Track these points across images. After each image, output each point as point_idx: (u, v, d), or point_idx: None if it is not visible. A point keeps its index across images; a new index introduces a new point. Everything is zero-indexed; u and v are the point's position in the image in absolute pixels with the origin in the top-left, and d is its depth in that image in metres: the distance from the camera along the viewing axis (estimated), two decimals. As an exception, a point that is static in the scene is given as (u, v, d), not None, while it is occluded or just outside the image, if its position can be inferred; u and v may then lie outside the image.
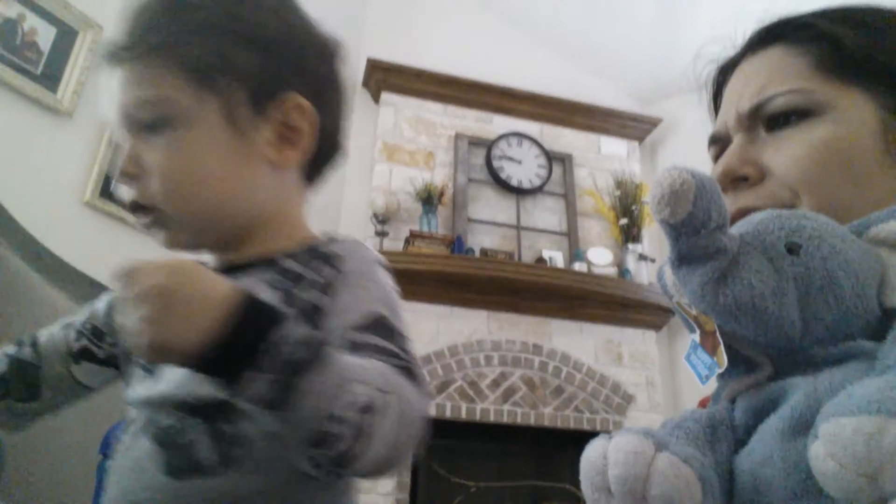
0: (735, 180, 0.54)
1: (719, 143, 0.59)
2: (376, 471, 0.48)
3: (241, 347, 0.42)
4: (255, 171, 0.61)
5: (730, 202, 0.53)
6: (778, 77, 0.53)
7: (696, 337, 0.42)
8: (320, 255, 0.60)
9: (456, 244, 3.18)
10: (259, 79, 0.60)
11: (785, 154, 0.51)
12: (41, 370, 0.65)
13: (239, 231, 0.62)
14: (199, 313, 0.41)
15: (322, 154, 0.68)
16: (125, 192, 0.59)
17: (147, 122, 0.58)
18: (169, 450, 0.53)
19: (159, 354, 0.42)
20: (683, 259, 0.39)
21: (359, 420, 0.44)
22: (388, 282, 0.60)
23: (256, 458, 0.52)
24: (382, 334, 0.53)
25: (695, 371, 0.43)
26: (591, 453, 0.36)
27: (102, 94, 0.61)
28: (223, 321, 0.42)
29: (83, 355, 0.66)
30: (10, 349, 0.66)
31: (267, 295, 0.56)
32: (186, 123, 0.58)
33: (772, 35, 0.56)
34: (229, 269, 0.61)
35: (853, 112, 0.50)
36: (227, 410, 0.52)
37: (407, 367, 0.51)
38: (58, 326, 0.68)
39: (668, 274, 0.42)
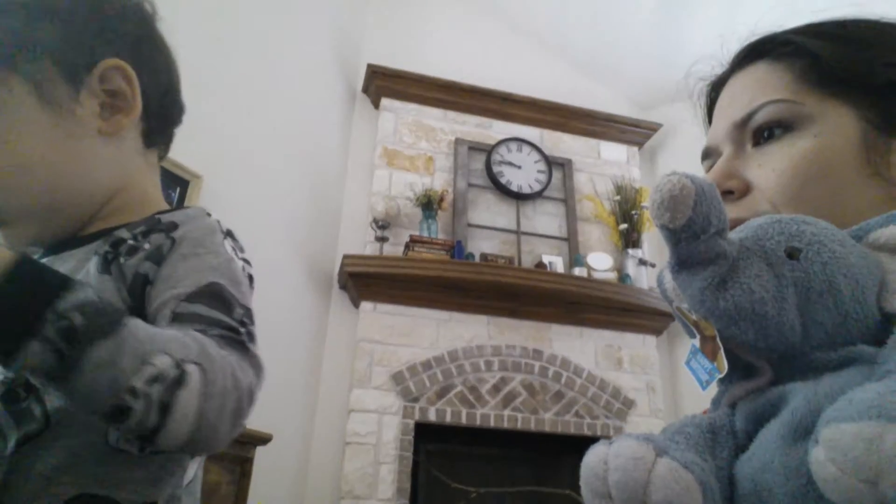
0: (722, 194, 0.55)
1: (711, 157, 0.59)
2: (188, 445, 0.45)
3: (17, 316, 0.39)
4: (86, 147, 0.58)
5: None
6: (762, 91, 0.53)
7: (697, 342, 0.42)
8: (159, 225, 0.57)
9: (456, 249, 3.18)
10: (65, 50, 0.57)
11: (767, 168, 0.52)
12: None
13: (87, 212, 0.60)
14: None
15: (159, 114, 0.65)
16: None
17: None
18: None
19: None
20: (683, 264, 0.39)
21: (154, 392, 0.43)
22: (227, 251, 0.57)
23: (57, 434, 0.50)
24: (213, 304, 0.51)
25: (695, 376, 0.43)
26: (592, 459, 0.36)
27: None
28: None
29: None
30: None
31: (92, 267, 0.54)
32: None
33: (756, 52, 0.57)
34: (62, 245, 0.58)
35: (834, 124, 0.50)
36: (12, 391, 0.50)
37: (235, 338, 0.50)
38: None
39: (668, 279, 0.42)
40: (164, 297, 0.51)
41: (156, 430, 0.44)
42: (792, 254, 0.39)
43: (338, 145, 3.47)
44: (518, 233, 3.46)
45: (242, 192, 2.60)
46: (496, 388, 3.08)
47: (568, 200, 3.58)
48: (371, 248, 3.20)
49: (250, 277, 0.59)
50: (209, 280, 0.52)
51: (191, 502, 0.57)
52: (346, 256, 3.07)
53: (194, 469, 0.58)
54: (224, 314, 0.51)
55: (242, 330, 0.51)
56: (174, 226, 0.57)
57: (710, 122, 0.64)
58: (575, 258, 3.36)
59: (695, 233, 0.37)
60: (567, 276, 3.24)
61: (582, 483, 0.36)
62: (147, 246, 0.55)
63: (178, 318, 0.50)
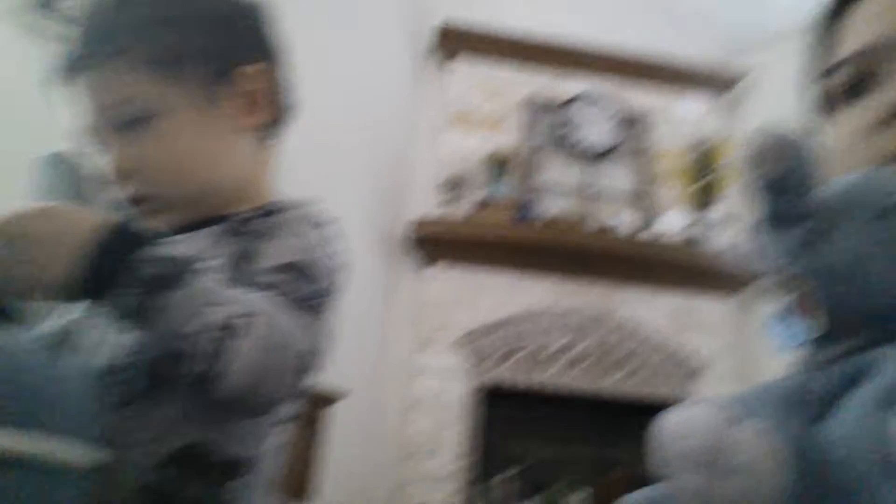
0: None
1: (848, 66, 0.52)
2: (246, 395, 0.50)
3: (105, 268, 0.47)
4: (227, 143, 0.66)
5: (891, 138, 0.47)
6: None
7: (784, 302, 0.40)
8: (264, 212, 0.64)
9: (524, 211, 3.15)
10: (210, 57, 0.65)
11: None
12: None
13: (222, 200, 0.67)
14: (60, 249, 0.47)
15: (279, 114, 0.73)
16: (124, 189, 0.63)
17: (123, 122, 0.62)
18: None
19: (26, 291, 0.48)
20: (779, 219, 0.38)
21: (215, 339, 0.48)
22: (311, 237, 0.61)
23: (160, 392, 0.54)
24: (286, 277, 0.56)
25: (778, 338, 0.41)
26: (670, 424, 0.35)
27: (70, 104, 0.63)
28: (86, 249, 0.47)
29: None
30: None
31: (209, 245, 0.60)
32: (163, 113, 0.62)
33: None
34: (193, 227, 0.64)
35: None
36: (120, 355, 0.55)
37: (299, 306, 0.54)
38: None
39: (758, 236, 0.40)
40: (250, 271, 0.58)
41: (217, 377, 0.49)
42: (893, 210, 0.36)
43: (405, 108, 3.46)
44: (587, 193, 3.39)
45: (310, 159, 2.64)
46: (562, 352, 3.07)
47: (641, 158, 3.47)
48: (439, 211, 3.20)
49: (337, 264, 0.63)
50: (288, 258, 0.58)
51: (271, 463, 0.62)
52: (414, 220, 3.09)
53: (276, 436, 0.62)
54: (294, 286, 0.56)
55: (306, 302, 0.56)
56: (274, 212, 0.63)
57: (825, 41, 0.57)
58: (647, 218, 3.28)
59: (789, 187, 0.35)
60: (638, 237, 3.17)
61: (659, 449, 0.35)
62: (252, 229, 0.62)
63: (252, 285, 0.55)
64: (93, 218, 0.50)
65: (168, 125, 0.62)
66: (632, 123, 3.53)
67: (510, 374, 3.01)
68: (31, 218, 0.48)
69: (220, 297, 0.50)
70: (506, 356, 3.03)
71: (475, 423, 2.94)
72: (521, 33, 3.51)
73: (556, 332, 3.10)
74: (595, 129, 3.46)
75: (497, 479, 2.93)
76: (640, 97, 3.61)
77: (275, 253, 0.58)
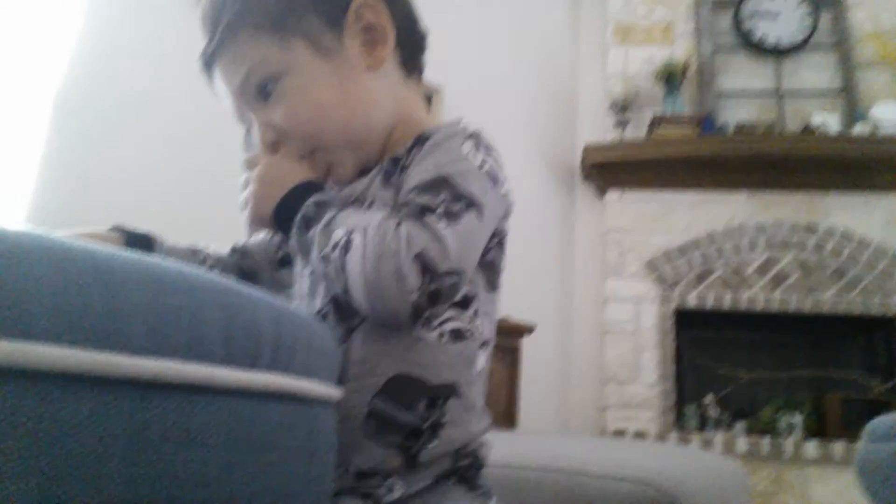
0: None
1: None
2: (365, 305, 0.54)
3: (290, 211, 0.60)
4: (361, 83, 0.66)
5: None
6: None
7: None
8: (421, 139, 0.63)
9: (706, 123, 2.92)
10: (321, 4, 0.64)
11: None
12: (259, 277, 0.78)
13: (378, 142, 0.67)
14: (275, 193, 0.61)
15: (408, 41, 0.71)
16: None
17: (257, 91, 0.64)
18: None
19: (255, 219, 0.63)
20: None
21: (338, 258, 0.54)
22: (461, 150, 0.60)
23: (371, 325, 0.58)
24: (423, 191, 0.56)
25: None
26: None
27: (219, 101, 0.68)
28: (284, 197, 0.61)
29: (284, 262, 0.77)
30: (232, 257, 0.79)
31: (377, 182, 0.64)
32: (287, 72, 0.63)
33: None
34: (366, 171, 0.67)
35: None
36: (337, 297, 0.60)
37: (424, 215, 0.54)
38: (262, 235, 0.80)
39: None
40: (401, 194, 0.59)
41: (347, 290, 0.55)
42: None
43: (566, 29, 3.33)
44: (779, 94, 3.05)
45: (476, 95, 2.65)
46: (763, 270, 2.85)
47: (841, 46, 3.04)
48: (612, 134, 3.07)
49: (492, 175, 0.61)
50: (431, 175, 0.58)
51: (480, 387, 0.64)
52: (587, 146, 3.00)
53: (483, 359, 0.64)
54: (427, 198, 0.56)
55: (437, 207, 0.55)
56: (427, 137, 0.62)
57: None
58: (854, 113, 2.88)
59: None
60: (845, 136, 2.81)
61: None
62: (409, 159, 0.62)
63: (400, 206, 0.57)
64: (296, 176, 0.62)
65: (296, 82, 0.63)
66: (825, 8, 3.08)
67: (706, 295, 2.86)
68: (266, 165, 0.63)
69: (344, 223, 0.56)
70: (700, 278, 2.88)
71: (672, 348, 2.85)
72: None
73: (754, 249, 2.88)
74: (782, 21, 3.08)
75: (698, 403, 2.84)
76: (837, -27, 3.13)
77: (420, 172, 0.59)
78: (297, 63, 0.63)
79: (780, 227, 2.87)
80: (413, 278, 0.52)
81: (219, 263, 0.78)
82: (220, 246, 0.80)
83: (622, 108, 3.04)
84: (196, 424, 0.34)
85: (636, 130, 3.04)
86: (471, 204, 0.56)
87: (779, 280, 2.83)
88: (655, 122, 2.94)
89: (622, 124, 3.03)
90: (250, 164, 0.65)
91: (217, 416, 0.35)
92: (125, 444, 0.31)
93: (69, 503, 0.28)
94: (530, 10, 3.12)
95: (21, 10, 1.56)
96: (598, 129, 3.15)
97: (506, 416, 2.30)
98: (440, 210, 0.55)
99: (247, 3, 0.63)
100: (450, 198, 0.56)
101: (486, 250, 0.62)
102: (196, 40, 0.66)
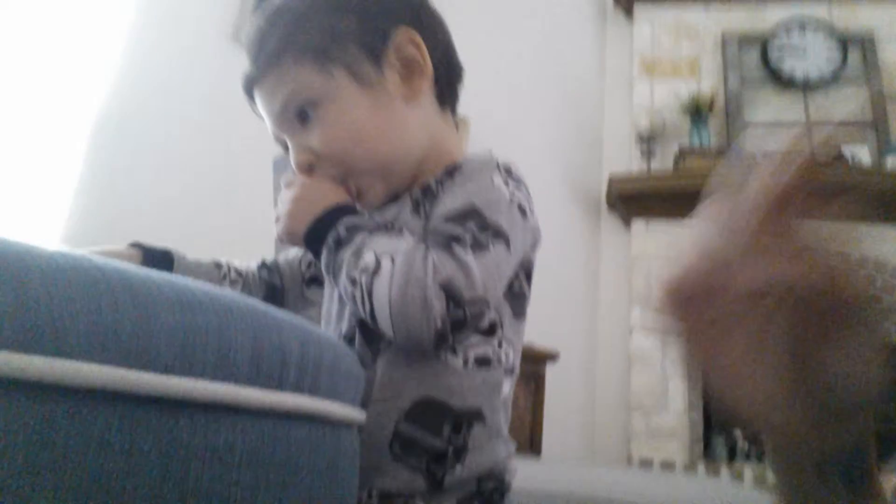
0: None
1: None
2: (398, 327, 0.54)
3: (321, 232, 0.61)
4: (398, 113, 0.67)
5: None
6: None
7: None
8: (449, 171, 0.65)
9: (734, 156, 2.90)
10: (364, 33, 0.66)
11: None
12: (287, 294, 0.80)
13: (408, 171, 0.68)
14: (309, 212, 0.62)
15: (445, 74, 0.72)
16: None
17: (296, 115, 0.66)
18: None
19: (287, 237, 0.65)
20: None
21: (366, 282, 0.55)
22: (492, 181, 0.61)
23: (399, 349, 0.59)
24: (453, 220, 0.57)
25: None
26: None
27: (261, 119, 0.70)
28: (318, 217, 0.62)
29: (313, 280, 0.79)
30: (261, 272, 0.80)
31: (406, 210, 0.65)
32: (326, 99, 0.65)
33: None
34: (395, 199, 0.68)
35: None
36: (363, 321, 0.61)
37: (452, 243, 0.55)
38: (292, 253, 0.82)
39: None
40: (430, 223, 0.60)
41: (372, 313, 0.55)
42: None
43: (592, 63, 3.35)
44: (807, 126, 3.03)
45: (503, 125, 2.68)
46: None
47: (871, 80, 3.01)
48: (637, 165, 3.06)
49: (521, 207, 0.62)
50: (460, 204, 0.59)
51: (505, 414, 0.64)
52: (612, 176, 2.99)
53: (508, 386, 0.64)
54: (455, 227, 0.56)
55: (465, 237, 0.55)
56: (458, 167, 0.64)
57: None
58: (886, 144, 2.85)
59: None
60: (875, 168, 2.77)
61: None
62: (440, 188, 0.64)
63: (429, 234, 0.58)
64: (331, 198, 0.63)
65: (335, 109, 0.65)
66: (853, 43, 3.07)
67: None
68: (301, 186, 0.65)
69: (374, 247, 0.56)
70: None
71: (700, 378, 2.80)
72: (712, -38, 3.21)
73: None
74: (810, 56, 3.07)
75: (727, 434, 2.77)
76: (863, 13, 3.13)
77: (450, 201, 0.60)
78: (336, 91, 0.65)
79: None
80: (438, 306, 0.52)
81: (242, 278, 0.79)
82: (244, 261, 0.81)
83: (648, 140, 3.04)
84: (222, 443, 0.34)
85: (662, 162, 3.03)
86: (498, 234, 0.57)
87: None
88: (682, 154, 2.93)
89: (648, 156, 3.03)
90: (286, 185, 0.67)
91: (243, 435, 0.36)
92: (153, 462, 0.31)
93: (97, 519, 0.29)
94: (557, 42, 3.16)
95: (65, 34, 1.62)
96: (623, 161, 3.15)
97: (530, 442, 2.27)
98: (468, 240, 0.55)
99: (292, 31, 0.66)
100: (478, 228, 0.56)
101: (513, 280, 0.63)
102: (232, 72, 0.69)
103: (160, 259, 0.73)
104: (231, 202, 1.88)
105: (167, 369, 0.32)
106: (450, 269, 0.53)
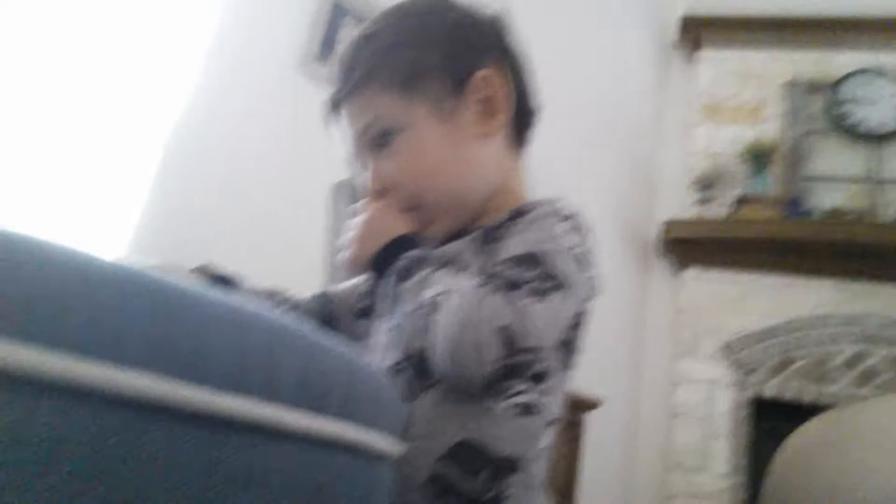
0: None
1: None
2: (450, 367, 0.54)
3: (386, 260, 0.62)
4: (472, 149, 0.69)
5: None
6: None
7: None
8: (515, 214, 0.65)
9: (792, 205, 2.83)
10: (447, 70, 0.68)
11: None
12: (338, 324, 0.80)
13: (475, 208, 0.69)
14: (378, 239, 0.64)
15: (521, 115, 0.73)
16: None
17: (374, 141, 0.68)
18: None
19: (353, 262, 0.66)
20: None
21: (424, 315, 0.55)
22: (555, 230, 0.61)
23: (440, 389, 0.59)
24: (513, 265, 0.57)
25: None
26: None
27: (339, 141, 0.72)
28: (385, 245, 0.63)
29: (363, 313, 0.78)
30: (315, 301, 0.81)
31: (469, 250, 0.66)
32: (405, 128, 0.67)
33: None
34: (458, 235, 0.68)
35: None
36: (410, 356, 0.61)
37: (512, 289, 0.54)
38: (346, 284, 0.83)
39: None
40: (491, 265, 0.60)
41: (425, 351, 0.56)
42: None
43: (651, 105, 3.33)
44: (873, 180, 2.93)
45: (557, 161, 2.67)
46: (849, 364, 2.68)
47: (944, 136, 2.91)
48: (692, 211, 3.01)
49: (582, 258, 0.62)
50: (523, 250, 0.59)
51: (543, 464, 0.63)
52: (668, 221, 2.95)
53: (548, 437, 0.63)
54: (517, 273, 0.56)
55: (526, 285, 0.55)
56: (525, 212, 0.65)
57: None
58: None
59: None
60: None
61: None
62: (502, 231, 0.64)
63: (489, 277, 0.58)
64: (397, 229, 0.65)
65: (412, 138, 0.67)
66: (930, 94, 2.97)
67: (785, 386, 2.70)
68: (372, 212, 0.67)
69: (436, 282, 0.57)
70: (780, 367, 2.73)
71: (745, 439, 2.69)
72: (777, 9, 3.17)
73: (839, 341, 2.71)
74: (879, 107, 2.98)
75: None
76: (939, 62, 3.03)
77: (513, 246, 0.60)
78: (416, 121, 0.67)
79: (871, 319, 2.70)
80: (493, 350, 0.52)
81: (296, 307, 0.80)
82: (298, 292, 0.82)
83: (706, 186, 2.98)
84: (260, 467, 0.34)
85: (718, 209, 2.97)
86: (558, 285, 0.57)
87: (868, 376, 2.65)
88: (740, 202, 2.87)
89: (705, 202, 2.97)
90: (357, 210, 0.68)
91: (281, 460, 0.36)
92: (194, 481, 0.31)
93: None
94: (617, 82, 3.15)
95: (142, 53, 1.70)
96: (677, 205, 3.10)
97: (565, 492, 2.21)
98: (528, 287, 0.55)
99: (381, 59, 0.68)
100: (539, 276, 0.56)
101: (566, 331, 0.62)
102: (303, 102, 0.71)
103: (224, 282, 0.75)
104: (290, 229, 1.92)
105: (216, 386, 0.32)
106: (508, 314, 0.53)
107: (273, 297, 0.79)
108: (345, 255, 0.67)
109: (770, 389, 2.72)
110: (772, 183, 2.94)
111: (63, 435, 0.27)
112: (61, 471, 0.27)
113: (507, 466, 0.57)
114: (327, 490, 0.39)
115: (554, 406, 0.63)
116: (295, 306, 0.80)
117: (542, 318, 0.54)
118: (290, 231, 1.91)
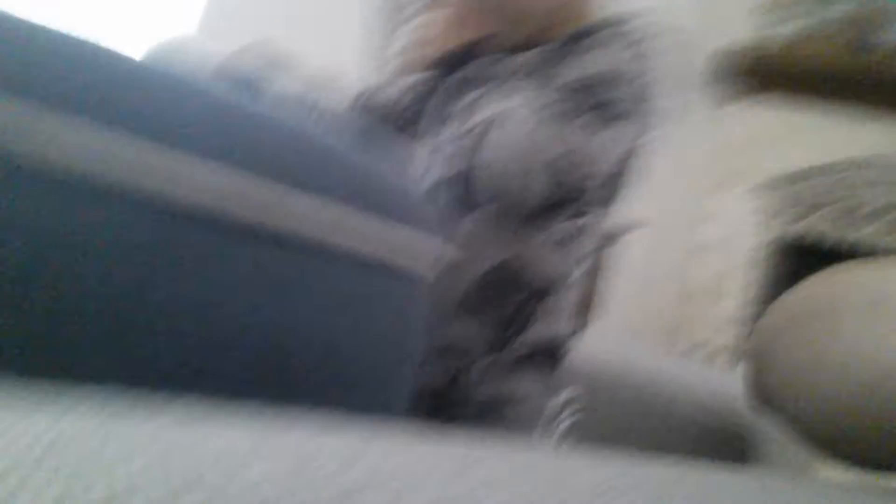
0: None
1: None
2: (493, 190, 0.54)
3: (451, 66, 0.63)
4: None
5: None
6: None
7: None
8: (581, 34, 0.62)
9: (865, 37, 2.61)
10: None
11: None
12: (376, 137, 0.79)
13: (545, 16, 0.65)
14: (444, 43, 0.63)
15: None
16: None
17: None
18: None
19: (418, 59, 0.64)
20: None
21: (472, 137, 0.55)
22: (623, 56, 0.59)
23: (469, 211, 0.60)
24: (574, 93, 0.55)
25: None
26: None
27: None
28: (451, 50, 0.63)
29: (403, 128, 0.78)
30: (349, 113, 0.79)
31: (527, 67, 0.63)
32: None
33: None
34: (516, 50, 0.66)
35: None
36: None
37: (576, 110, 0.53)
38: (388, 96, 0.80)
39: None
40: (547, 90, 0.58)
41: (471, 173, 0.56)
42: None
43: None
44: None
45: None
46: (879, 211, 2.62)
47: None
48: (753, 36, 2.80)
49: (646, 90, 0.59)
50: (581, 75, 0.57)
51: (573, 294, 0.65)
52: (721, 47, 2.76)
53: (581, 268, 0.64)
54: (574, 100, 0.55)
55: (582, 115, 0.55)
56: (590, 32, 0.62)
57: None
58: None
59: None
60: None
61: None
62: (564, 51, 0.62)
63: (544, 102, 0.57)
64: (466, 32, 0.63)
65: None
66: None
67: (815, 228, 2.69)
68: (437, 15, 0.64)
69: (487, 105, 0.55)
70: (812, 208, 2.69)
71: (769, 275, 2.73)
72: None
73: (882, 186, 2.64)
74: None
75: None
76: None
77: (572, 71, 0.57)
78: None
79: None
80: (540, 179, 0.52)
81: (331, 116, 0.78)
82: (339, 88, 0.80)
83: (769, 10, 2.75)
84: (304, 279, 0.35)
85: (781, 36, 2.75)
86: (615, 115, 0.55)
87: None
88: (804, 30, 2.65)
89: (766, 27, 2.75)
90: (424, 6, 0.67)
91: (325, 274, 0.37)
92: (254, 286, 0.32)
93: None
94: None
95: None
96: (737, 30, 2.88)
97: (586, 314, 2.30)
98: (584, 117, 0.53)
99: None
100: (596, 104, 0.54)
101: (617, 164, 0.60)
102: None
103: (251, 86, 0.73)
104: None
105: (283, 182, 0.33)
106: (559, 148, 0.52)
107: (305, 102, 0.77)
108: (405, 56, 0.66)
109: (800, 230, 2.71)
110: (843, 11, 2.69)
111: (126, 238, 0.28)
112: (129, 273, 0.28)
113: (539, 294, 0.59)
114: (369, 303, 0.40)
115: (588, 243, 0.64)
116: (329, 115, 0.78)
117: (594, 152, 0.53)
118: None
